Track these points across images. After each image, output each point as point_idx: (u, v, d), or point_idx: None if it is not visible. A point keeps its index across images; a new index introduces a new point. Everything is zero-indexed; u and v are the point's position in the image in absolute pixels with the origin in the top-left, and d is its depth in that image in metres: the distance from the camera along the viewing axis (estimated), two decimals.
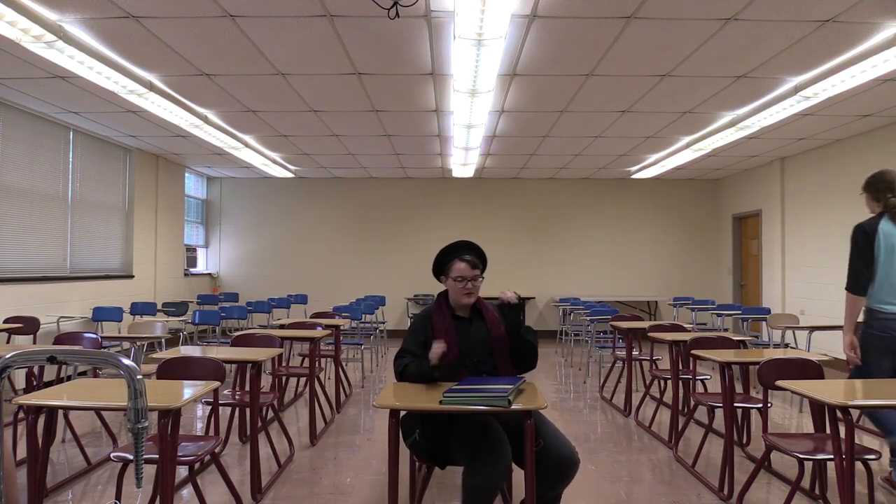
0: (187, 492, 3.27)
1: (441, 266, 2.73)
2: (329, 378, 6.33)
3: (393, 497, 2.23)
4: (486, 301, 2.74)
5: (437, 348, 2.47)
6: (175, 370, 2.93)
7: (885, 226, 3.27)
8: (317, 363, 4.51)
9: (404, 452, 2.53)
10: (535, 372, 6.94)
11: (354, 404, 5.37)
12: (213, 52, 4.41)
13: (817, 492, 3.11)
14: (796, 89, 5.06)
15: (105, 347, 4.45)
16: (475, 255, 2.69)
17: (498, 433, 2.27)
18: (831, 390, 2.41)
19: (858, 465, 2.74)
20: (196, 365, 2.94)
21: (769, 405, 3.31)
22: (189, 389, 2.48)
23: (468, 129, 6.47)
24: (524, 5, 3.64)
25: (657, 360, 5.38)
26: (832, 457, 2.41)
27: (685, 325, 5.08)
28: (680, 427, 4.02)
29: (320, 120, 6.37)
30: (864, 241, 3.29)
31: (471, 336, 2.61)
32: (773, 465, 3.56)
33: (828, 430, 2.48)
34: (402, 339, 2.70)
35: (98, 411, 3.99)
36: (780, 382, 2.63)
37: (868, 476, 2.74)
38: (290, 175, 9.76)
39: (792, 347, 6.07)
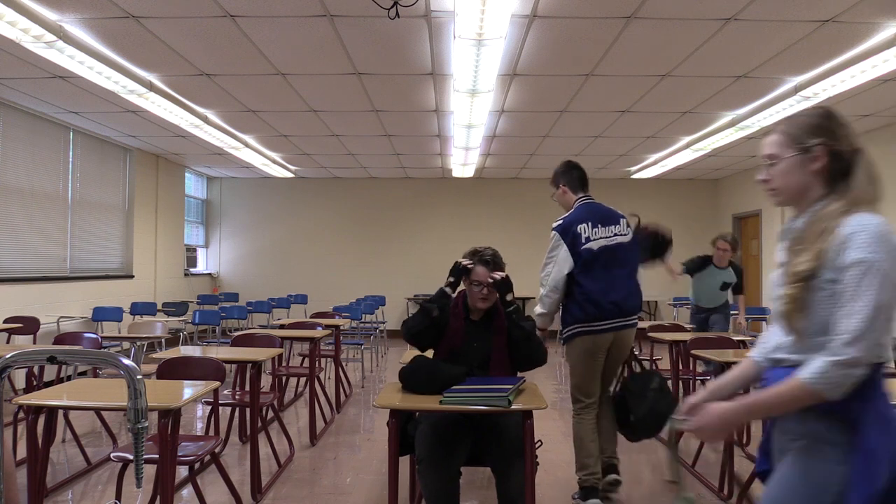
0: (187, 492, 3.28)
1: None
2: (329, 378, 6.32)
3: (393, 497, 2.23)
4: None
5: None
6: (175, 370, 2.92)
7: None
8: (317, 363, 4.51)
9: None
10: (536, 371, 6.93)
11: (354, 404, 5.37)
12: (213, 52, 4.41)
13: None
14: (796, 89, 5.06)
15: (105, 347, 4.44)
16: (496, 261, 2.61)
17: (450, 441, 2.32)
18: None
19: None
20: (196, 365, 2.94)
21: None
22: (189, 389, 2.49)
23: (468, 129, 6.47)
24: (524, 5, 3.64)
25: (657, 360, 5.37)
26: None
27: (685, 326, 5.08)
28: None
29: (320, 120, 6.37)
30: None
31: (475, 341, 2.60)
32: None
33: None
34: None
35: (98, 411, 3.98)
36: None
37: None
38: (290, 175, 9.76)
39: None
